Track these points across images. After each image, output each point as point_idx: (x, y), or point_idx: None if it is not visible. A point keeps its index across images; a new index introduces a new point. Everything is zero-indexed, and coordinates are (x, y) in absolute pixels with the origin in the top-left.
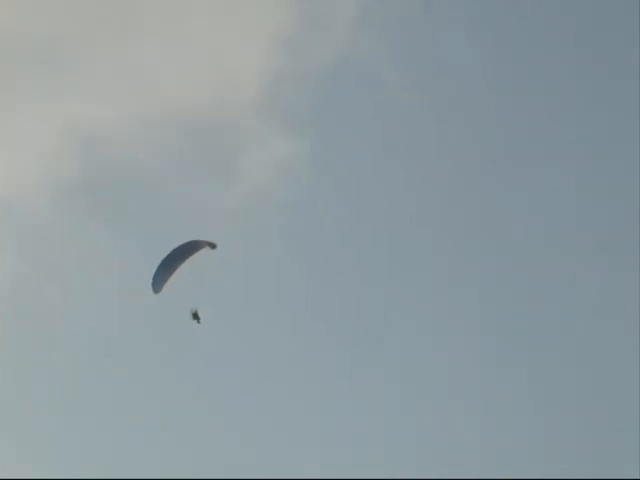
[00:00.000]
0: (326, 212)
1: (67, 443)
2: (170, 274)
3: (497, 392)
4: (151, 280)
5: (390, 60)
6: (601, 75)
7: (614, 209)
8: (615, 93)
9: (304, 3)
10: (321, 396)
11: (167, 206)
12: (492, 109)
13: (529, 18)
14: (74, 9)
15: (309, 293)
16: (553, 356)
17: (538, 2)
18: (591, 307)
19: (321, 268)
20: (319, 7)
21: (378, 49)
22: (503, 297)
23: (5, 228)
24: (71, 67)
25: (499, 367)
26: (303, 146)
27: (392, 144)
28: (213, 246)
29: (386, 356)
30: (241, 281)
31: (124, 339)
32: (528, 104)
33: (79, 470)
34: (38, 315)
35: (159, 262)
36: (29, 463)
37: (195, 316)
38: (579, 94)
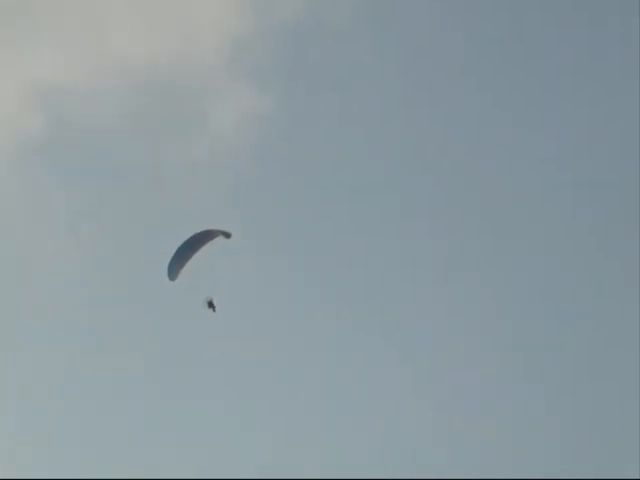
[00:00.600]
0: (290, 166)
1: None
2: (185, 262)
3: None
4: (167, 268)
5: (355, 14)
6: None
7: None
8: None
9: None
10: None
11: (132, 159)
12: (462, 63)
13: None
14: None
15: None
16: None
17: None
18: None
19: (283, 221)
20: None
21: (343, 3)
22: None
23: None
24: (32, 24)
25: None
26: (268, 100)
27: (357, 99)
28: (228, 235)
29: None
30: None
31: (85, 301)
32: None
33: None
34: None
35: (174, 250)
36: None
37: (210, 305)
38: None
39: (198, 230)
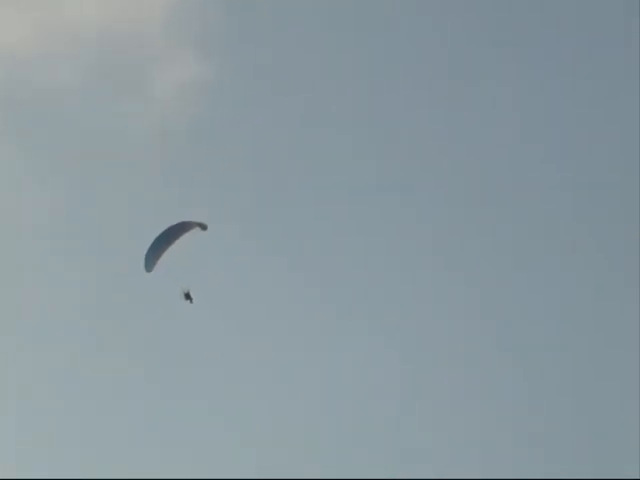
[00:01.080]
0: (232, 133)
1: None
2: (161, 254)
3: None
4: (143, 260)
5: None
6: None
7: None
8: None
9: None
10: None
11: (75, 126)
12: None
13: None
14: None
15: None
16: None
17: None
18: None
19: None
20: None
21: None
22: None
23: None
24: None
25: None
26: (211, 67)
27: (298, 67)
28: (204, 227)
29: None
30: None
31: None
32: None
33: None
34: None
35: (150, 242)
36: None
37: (187, 296)
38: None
39: (174, 222)
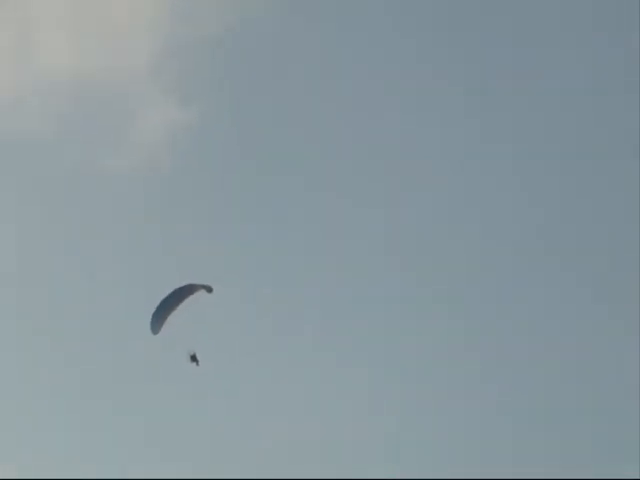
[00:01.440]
0: (214, 178)
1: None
2: (167, 316)
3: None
4: (150, 322)
5: (278, 29)
6: None
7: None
8: None
9: None
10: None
11: (56, 173)
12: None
13: None
14: None
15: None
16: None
17: None
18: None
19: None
20: None
21: (266, 17)
22: None
23: None
24: None
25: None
26: (192, 113)
27: (280, 111)
28: (209, 290)
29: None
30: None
31: None
32: None
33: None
34: None
35: (157, 304)
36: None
37: (194, 358)
38: None
39: (180, 284)
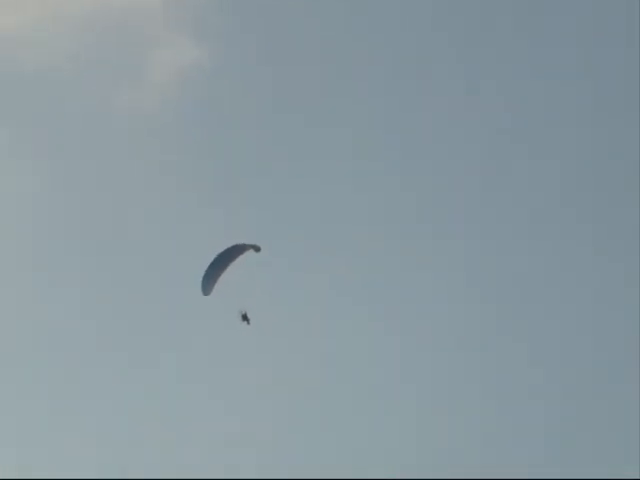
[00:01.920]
0: (226, 116)
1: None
2: (218, 276)
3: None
4: (200, 283)
5: None
6: None
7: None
8: None
9: None
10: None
11: (71, 109)
12: None
13: None
14: None
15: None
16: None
17: None
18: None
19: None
20: None
21: None
22: None
23: None
24: None
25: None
26: (206, 52)
27: (293, 51)
28: (257, 249)
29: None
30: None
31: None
32: None
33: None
34: None
35: (207, 266)
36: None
37: (245, 317)
38: None
39: (229, 244)
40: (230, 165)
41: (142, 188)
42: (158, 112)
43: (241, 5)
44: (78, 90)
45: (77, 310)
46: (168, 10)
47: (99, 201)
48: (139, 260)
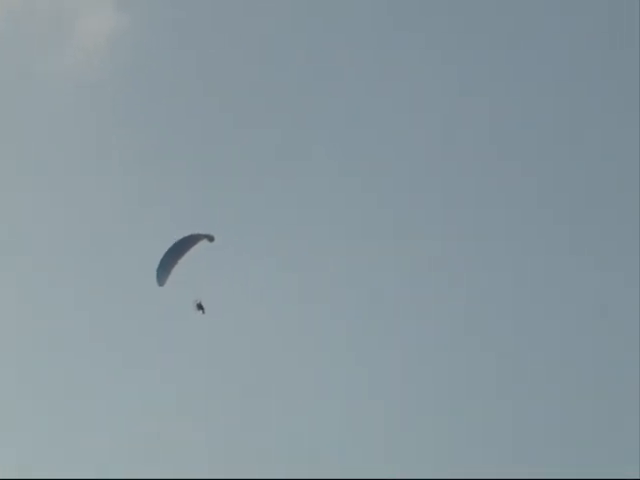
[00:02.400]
0: (150, 84)
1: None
2: (172, 267)
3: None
4: (155, 274)
5: None
6: None
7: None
8: None
9: None
10: None
11: None
12: None
13: None
14: None
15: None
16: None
17: None
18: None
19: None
20: None
21: None
22: None
23: None
24: None
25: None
26: (129, 18)
27: (216, 17)
28: (211, 239)
29: None
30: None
31: None
32: None
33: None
34: None
35: (161, 257)
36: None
37: (200, 307)
38: None
39: (181, 235)
40: (154, 132)
41: (64, 153)
42: (81, 78)
43: None
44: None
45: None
46: None
47: (19, 168)
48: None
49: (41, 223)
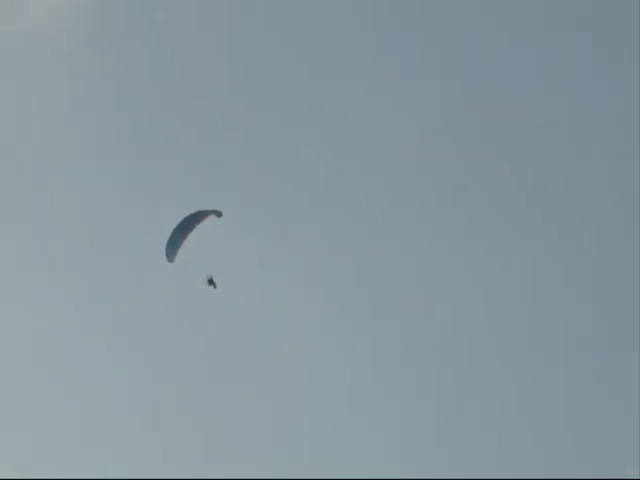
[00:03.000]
0: (108, 53)
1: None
2: (180, 244)
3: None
4: (164, 251)
5: None
6: None
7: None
8: None
9: None
10: None
11: None
12: None
13: None
14: None
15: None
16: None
17: None
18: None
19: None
20: None
21: None
22: None
23: None
24: None
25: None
26: None
27: None
28: (219, 214)
29: None
30: None
31: None
32: None
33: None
34: None
35: (170, 233)
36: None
37: (211, 282)
38: None
39: (189, 211)
40: (115, 104)
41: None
42: (37, 45)
43: None
44: None
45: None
46: None
47: None
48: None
49: None
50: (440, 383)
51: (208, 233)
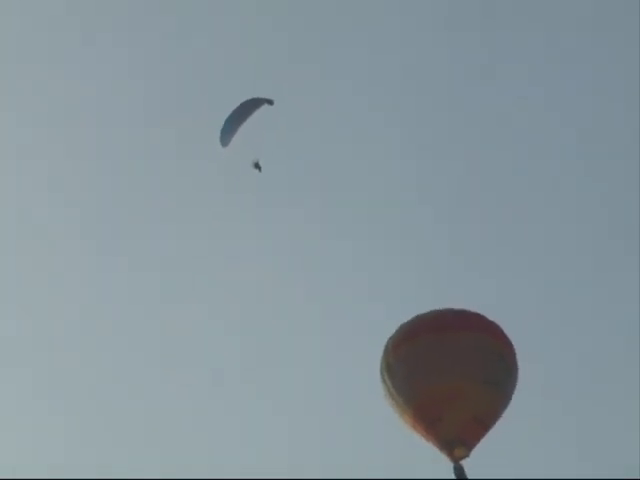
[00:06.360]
0: None
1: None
2: (236, 129)
3: None
4: (219, 136)
5: None
6: None
7: None
8: None
9: None
10: None
11: None
12: None
13: None
14: None
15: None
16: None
17: None
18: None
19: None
20: None
21: None
22: None
23: None
24: None
25: None
26: None
27: None
28: (271, 102)
29: None
30: None
31: None
32: None
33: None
34: None
35: (225, 118)
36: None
37: (257, 165)
38: None
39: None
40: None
41: None
42: None
43: None
44: None
45: None
46: None
47: None
48: None
49: None
50: None
51: (260, 122)
